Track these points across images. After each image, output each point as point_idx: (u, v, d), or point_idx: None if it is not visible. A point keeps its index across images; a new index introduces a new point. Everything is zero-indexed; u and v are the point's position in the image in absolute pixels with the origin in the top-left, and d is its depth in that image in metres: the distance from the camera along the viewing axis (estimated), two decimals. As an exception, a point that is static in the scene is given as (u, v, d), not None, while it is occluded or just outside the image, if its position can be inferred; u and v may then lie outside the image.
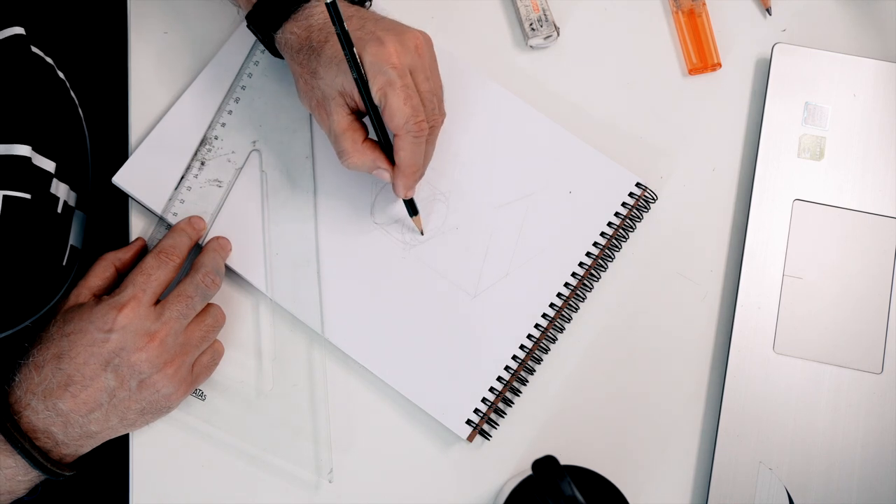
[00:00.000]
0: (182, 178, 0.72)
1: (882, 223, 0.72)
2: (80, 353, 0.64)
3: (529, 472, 0.60)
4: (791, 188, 0.72)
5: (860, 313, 0.70)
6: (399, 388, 0.69)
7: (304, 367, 0.70)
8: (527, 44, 0.76)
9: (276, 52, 0.70)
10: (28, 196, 0.67)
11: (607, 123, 0.75)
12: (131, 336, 0.64)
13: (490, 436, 0.69)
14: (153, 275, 0.66)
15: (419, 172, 0.67)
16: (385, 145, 0.67)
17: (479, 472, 0.70)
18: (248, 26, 0.68)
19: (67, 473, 0.65)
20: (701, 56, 0.76)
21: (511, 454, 0.70)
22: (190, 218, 0.70)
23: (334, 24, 0.60)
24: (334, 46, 0.64)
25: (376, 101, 0.64)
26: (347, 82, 0.64)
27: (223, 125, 0.73)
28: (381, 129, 0.66)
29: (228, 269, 0.71)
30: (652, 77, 0.76)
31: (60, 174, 0.71)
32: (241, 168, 0.72)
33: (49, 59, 0.73)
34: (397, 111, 0.63)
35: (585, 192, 0.73)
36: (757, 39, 0.77)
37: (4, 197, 0.66)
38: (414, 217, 0.71)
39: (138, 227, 0.73)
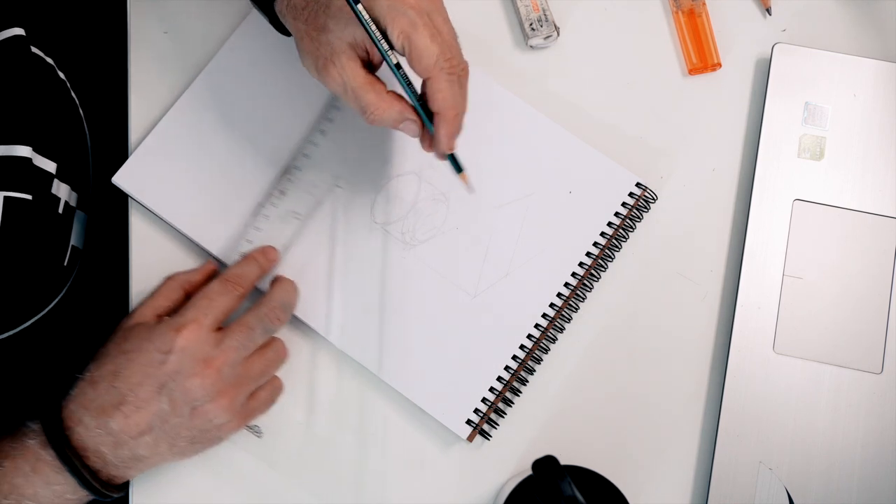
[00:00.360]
0: (261, 205, 0.71)
1: (882, 223, 0.72)
2: (135, 372, 0.62)
3: (529, 472, 0.60)
4: (791, 188, 0.72)
5: (860, 313, 0.70)
6: (399, 388, 0.69)
7: (356, 411, 0.70)
8: (527, 44, 0.76)
9: (279, 27, 0.67)
10: (29, 197, 0.67)
11: (607, 123, 0.75)
12: (189, 360, 0.63)
13: (490, 436, 0.69)
14: (216, 300, 0.65)
15: (461, 118, 0.62)
16: (412, 98, 0.62)
17: (479, 472, 0.70)
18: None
19: (115, 495, 0.64)
20: (701, 56, 0.76)
21: (511, 454, 0.70)
22: (264, 248, 0.70)
23: None
24: None
25: (398, 47, 0.59)
26: (359, 32, 0.60)
27: (307, 156, 0.72)
28: (406, 81, 0.62)
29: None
30: (652, 77, 0.76)
31: (61, 175, 0.71)
32: (322, 202, 0.71)
33: (49, 60, 0.73)
34: (425, 51, 0.59)
35: (585, 192, 0.73)
36: (757, 39, 0.77)
37: (5, 198, 0.65)
38: (460, 174, 0.66)
39: (138, 227, 0.72)
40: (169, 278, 0.69)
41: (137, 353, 0.63)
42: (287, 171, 0.72)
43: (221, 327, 0.65)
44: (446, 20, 0.62)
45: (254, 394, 0.66)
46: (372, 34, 0.59)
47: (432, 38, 0.59)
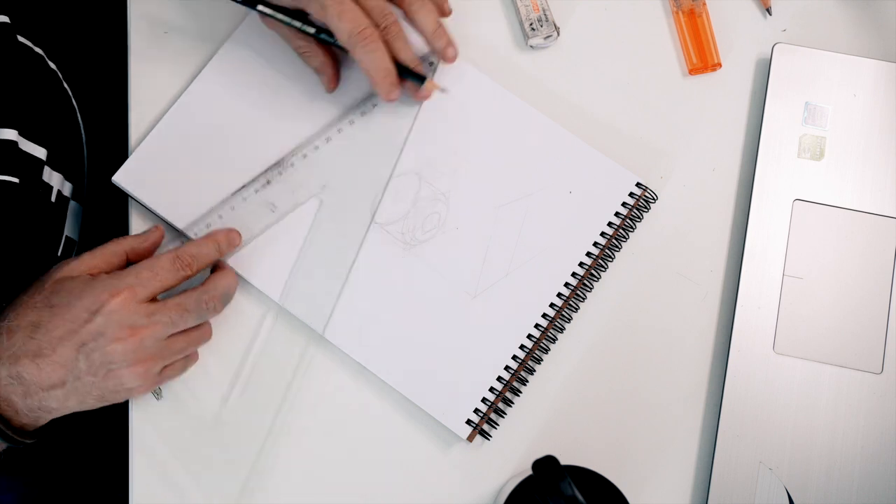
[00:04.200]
0: (243, 186, 0.71)
1: (882, 223, 0.72)
2: (58, 326, 0.62)
3: (529, 472, 0.60)
4: (791, 188, 0.72)
5: (860, 313, 0.70)
6: (399, 388, 0.69)
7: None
8: (527, 44, 0.76)
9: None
10: (16, 180, 0.66)
11: (607, 123, 0.75)
12: (115, 325, 0.62)
13: (490, 436, 0.69)
14: (160, 276, 0.64)
15: (390, 74, 0.69)
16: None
17: (479, 472, 0.70)
18: None
19: (29, 441, 0.64)
20: (701, 56, 0.76)
21: (511, 454, 0.70)
22: (229, 232, 0.69)
23: None
24: None
25: (321, 25, 0.67)
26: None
27: (304, 156, 0.72)
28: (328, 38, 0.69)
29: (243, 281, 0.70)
30: (652, 77, 0.76)
31: (52, 162, 0.70)
32: (301, 205, 0.72)
33: (38, 50, 0.73)
34: (336, 31, 0.66)
35: (585, 192, 0.73)
36: (757, 39, 0.77)
37: None
38: (427, 83, 0.71)
39: (139, 227, 0.73)
40: (114, 241, 0.67)
41: (64, 308, 0.62)
42: (280, 164, 0.72)
43: (156, 299, 0.64)
44: None
45: (169, 364, 0.66)
46: (285, 21, 0.68)
47: (340, 16, 0.66)
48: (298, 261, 0.71)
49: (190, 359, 0.68)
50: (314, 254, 0.71)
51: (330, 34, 0.68)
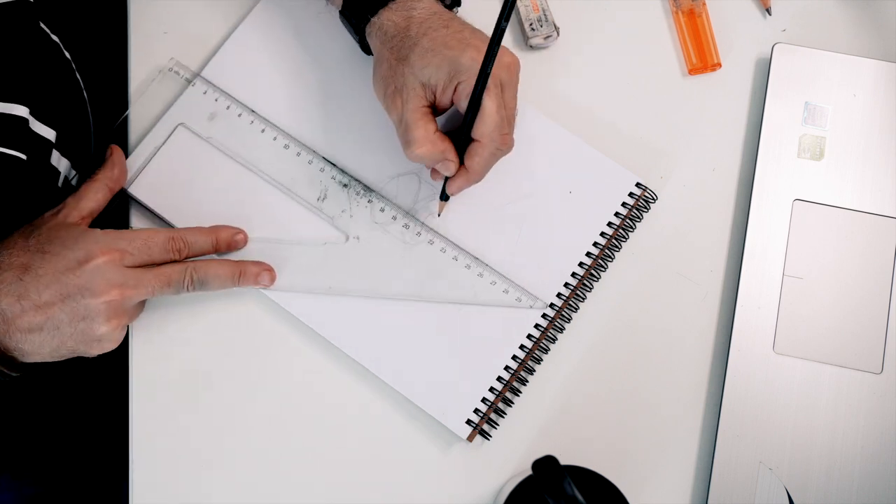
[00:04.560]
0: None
1: (882, 223, 0.72)
2: (47, 272, 0.63)
3: (529, 472, 0.59)
4: (791, 188, 0.72)
5: (860, 313, 0.70)
6: (399, 389, 0.69)
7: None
8: (527, 44, 0.76)
9: (363, 45, 0.71)
10: (24, 157, 0.67)
11: (607, 123, 0.75)
12: (101, 280, 0.63)
13: (490, 436, 0.69)
14: (152, 250, 0.66)
15: (478, 182, 0.69)
16: (460, 144, 0.67)
17: (479, 472, 0.70)
18: (340, 13, 0.70)
19: (14, 374, 0.65)
20: (701, 56, 0.76)
21: (511, 454, 0.70)
22: (236, 232, 0.70)
23: (501, 20, 0.59)
24: (434, 41, 0.65)
25: (464, 101, 0.65)
26: (435, 76, 0.65)
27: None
28: (467, 130, 0.66)
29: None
30: (652, 77, 0.76)
31: (61, 146, 0.71)
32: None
33: (55, 38, 0.73)
34: (489, 117, 0.65)
35: (585, 192, 0.73)
36: (757, 39, 0.77)
37: (1, 154, 0.65)
38: (442, 201, 0.71)
39: (138, 220, 0.73)
40: (91, 179, 0.69)
41: (56, 256, 0.63)
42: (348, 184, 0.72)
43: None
44: (514, 97, 0.67)
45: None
46: (479, 85, 0.63)
47: (498, 108, 0.65)
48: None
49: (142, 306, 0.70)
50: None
51: (482, 84, 0.63)
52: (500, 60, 0.65)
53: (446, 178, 0.69)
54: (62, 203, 0.68)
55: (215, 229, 0.70)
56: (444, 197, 0.70)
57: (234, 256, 0.71)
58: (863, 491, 0.68)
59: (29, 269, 0.63)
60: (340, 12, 0.70)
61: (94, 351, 0.66)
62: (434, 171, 0.69)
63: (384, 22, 0.67)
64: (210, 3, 0.76)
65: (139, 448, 0.69)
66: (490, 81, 0.64)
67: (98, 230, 0.66)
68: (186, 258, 0.68)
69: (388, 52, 0.67)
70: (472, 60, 0.64)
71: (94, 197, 0.69)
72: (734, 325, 0.70)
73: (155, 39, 0.76)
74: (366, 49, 0.71)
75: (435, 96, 0.66)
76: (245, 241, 0.71)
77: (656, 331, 0.72)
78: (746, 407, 0.69)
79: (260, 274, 0.70)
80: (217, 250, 0.70)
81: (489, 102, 0.64)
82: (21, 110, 0.67)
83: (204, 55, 0.75)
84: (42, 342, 0.63)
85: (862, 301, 0.71)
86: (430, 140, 0.66)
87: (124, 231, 0.66)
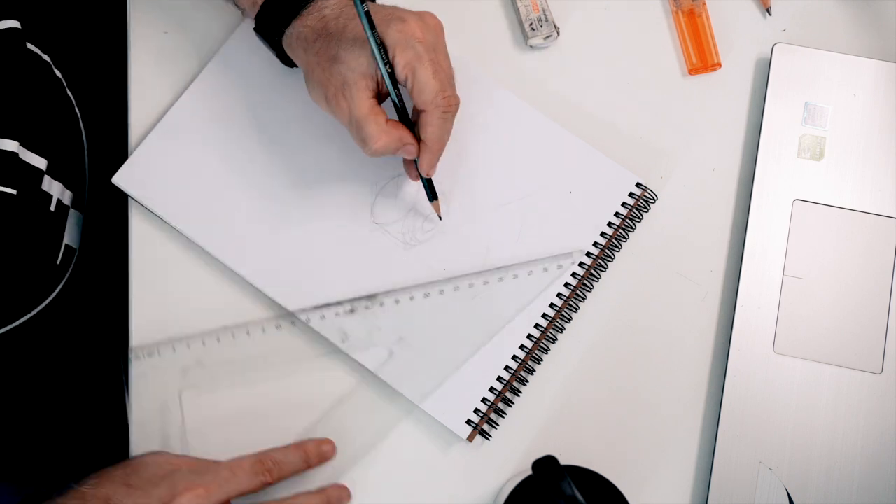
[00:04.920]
0: (328, 305, 0.70)
1: (882, 223, 0.72)
2: None
3: (529, 472, 0.59)
4: (791, 188, 0.72)
5: (860, 313, 0.70)
6: (399, 388, 0.69)
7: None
8: (527, 44, 0.76)
9: (284, 58, 0.69)
10: (13, 192, 0.66)
11: (607, 123, 0.75)
12: None
13: (490, 436, 0.69)
14: (238, 478, 0.63)
15: (442, 150, 0.66)
16: (408, 125, 0.66)
17: (479, 472, 0.70)
18: (255, 30, 0.68)
19: None
20: (701, 56, 0.76)
21: (511, 454, 0.70)
22: (322, 443, 0.68)
23: (356, 3, 0.59)
24: (356, 30, 0.64)
25: (402, 78, 0.63)
26: (370, 62, 0.63)
27: (397, 302, 0.70)
28: (404, 109, 0.66)
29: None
30: (652, 77, 0.76)
31: (53, 172, 0.70)
32: (372, 348, 0.70)
33: (46, 57, 0.73)
34: (426, 85, 0.63)
35: (585, 192, 0.73)
36: (757, 39, 0.77)
37: None
38: (433, 202, 0.70)
39: (139, 227, 0.72)
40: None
41: (139, 491, 0.61)
42: (372, 299, 0.70)
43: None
44: (447, 56, 0.66)
45: None
46: (379, 56, 0.62)
47: (434, 73, 0.63)
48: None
49: None
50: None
51: (394, 82, 0.64)
52: (427, 23, 0.65)
53: (426, 180, 0.69)
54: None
55: (301, 445, 0.67)
56: (431, 195, 0.70)
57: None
58: (863, 491, 0.68)
59: (110, 501, 0.60)
60: (254, 29, 0.69)
61: None
62: (409, 169, 0.69)
63: (300, 30, 0.66)
64: (210, 3, 0.76)
65: (139, 449, 0.69)
66: (421, 48, 0.63)
67: (185, 463, 0.63)
68: (279, 479, 0.65)
69: (315, 57, 0.65)
70: (400, 32, 0.63)
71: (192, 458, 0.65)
72: (734, 325, 0.70)
73: (155, 39, 0.76)
74: (285, 61, 0.70)
75: (377, 83, 0.65)
76: (333, 451, 0.68)
77: (656, 331, 0.72)
78: (746, 407, 0.69)
79: (323, 453, 0.68)
80: (310, 466, 0.67)
81: (421, 70, 0.63)
82: (11, 145, 0.66)
83: (204, 55, 0.75)
84: None
85: (862, 301, 0.71)
86: (384, 132, 0.64)
87: (210, 464, 0.64)
